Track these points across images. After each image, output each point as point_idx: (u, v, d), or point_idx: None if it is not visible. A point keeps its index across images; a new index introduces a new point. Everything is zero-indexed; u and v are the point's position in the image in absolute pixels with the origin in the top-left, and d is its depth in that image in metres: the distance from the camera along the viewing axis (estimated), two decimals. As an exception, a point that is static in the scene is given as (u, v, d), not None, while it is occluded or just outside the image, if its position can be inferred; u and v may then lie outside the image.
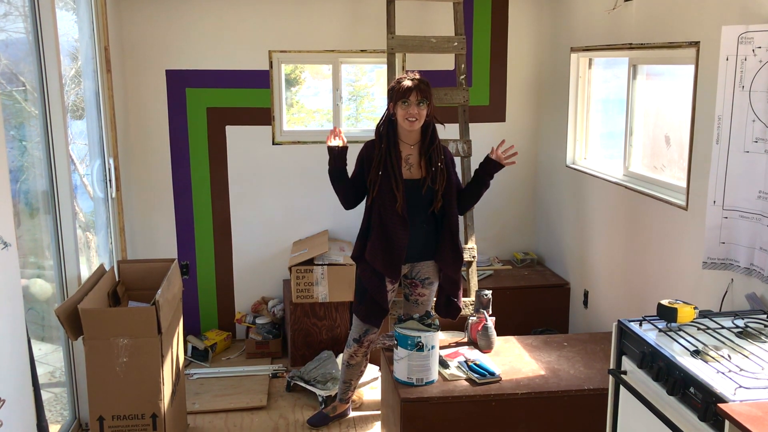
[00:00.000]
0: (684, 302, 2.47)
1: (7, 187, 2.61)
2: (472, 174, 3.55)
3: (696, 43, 3.07)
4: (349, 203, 3.47)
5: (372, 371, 4.16)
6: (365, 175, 3.38)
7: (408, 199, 3.32)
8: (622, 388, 2.45)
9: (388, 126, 3.37)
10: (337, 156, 3.38)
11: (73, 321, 2.93)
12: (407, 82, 3.28)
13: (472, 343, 3.58)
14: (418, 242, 3.41)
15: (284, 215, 4.84)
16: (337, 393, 3.83)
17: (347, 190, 3.43)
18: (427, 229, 3.41)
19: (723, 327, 2.42)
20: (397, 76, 3.45)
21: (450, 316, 3.57)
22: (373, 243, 3.35)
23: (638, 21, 3.58)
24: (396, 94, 3.29)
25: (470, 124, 4.36)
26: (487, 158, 3.44)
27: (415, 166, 3.38)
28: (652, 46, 3.46)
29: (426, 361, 3.12)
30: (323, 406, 3.94)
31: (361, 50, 4.66)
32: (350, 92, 5.00)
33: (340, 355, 4.29)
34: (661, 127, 3.70)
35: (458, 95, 4.15)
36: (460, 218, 4.24)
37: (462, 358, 3.36)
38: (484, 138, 4.84)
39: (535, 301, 4.50)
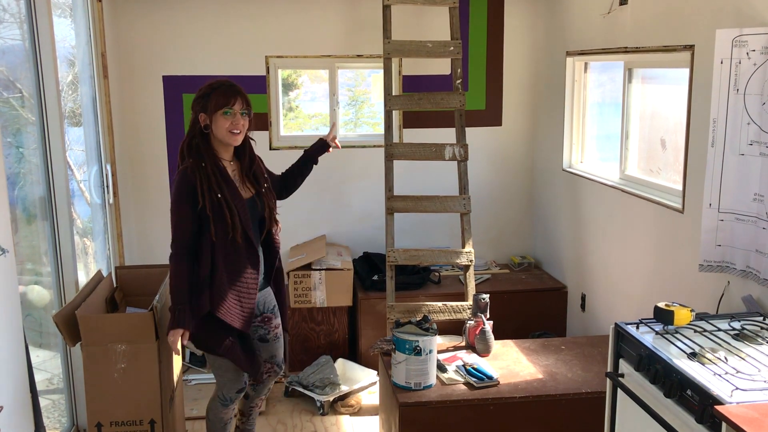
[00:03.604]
0: (680, 305, 2.48)
1: (4, 193, 2.61)
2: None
3: (691, 47, 3.09)
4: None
5: (370, 376, 4.16)
6: (201, 204, 2.79)
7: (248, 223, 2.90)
8: (619, 390, 2.46)
9: (203, 142, 2.86)
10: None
11: (70, 327, 2.92)
12: (229, 89, 2.84)
13: (470, 347, 3.58)
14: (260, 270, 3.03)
15: (282, 220, 4.81)
16: None
17: (190, 272, 2.84)
18: (261, 252, 3.05)
19: (719, 329, 2.43)
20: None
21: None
22: (223, 293, 2.83)
23: (633, 25, 3.60)
24: (214, 101, 2.81)
25: (466, 129, 4.37)
26: (322, 141, 3.35)
27: (240, 182, 2.94)
28: (647, 49, 3.47)
29: (424, 366, 3.13)
30: (321, 410, 3.94)
31: (358, 55, 4.67)
32: (350, 97, 5.01)
33: (339, 360, 4.30)
34: (657, 130, 3.72)
35: (454, 99, 4.17)
36: (458, 221, 4.26)
37: (460, 362, 3.37)
38: (480, 142, 4.87)
39: (532, 305, 4.51)
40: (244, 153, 2.98)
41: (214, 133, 2.86)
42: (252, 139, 3.02)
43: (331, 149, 3.40)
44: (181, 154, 2.90)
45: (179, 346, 2.82)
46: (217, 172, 2.84)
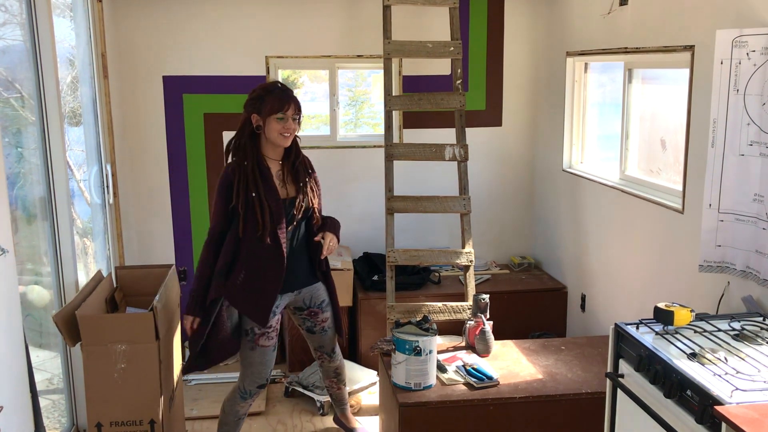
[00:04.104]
0: (680, 305, 2.48)
1: (4, 193, 2.61)
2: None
3: (691, 47, 3.09)
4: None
5: (370, 376, 4.16)
6: (234, 202, 2.99)
7: (287, 220, 3.05)
8: (619, 391, 2.46)
9: (250, 141, 3.02)
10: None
11: (70, 327, 2.92)
12: (283, 94, 2.99)
13: (470, 348, 3.58)
14: (302, 266, 3.18)
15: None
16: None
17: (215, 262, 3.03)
18: (306, 248, 3.20)
19: (719, 330, 2.43)
20: (273, 84, 3.13)
21: (339, 333, 3.43)
22: (239, 287, 2.99)
23: (633, 25, 3.60)
24: (268, 105, 2.97)
25: (467, 129, 4.37)
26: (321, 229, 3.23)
27: (284, 183, 3.10)
28: (647, 50, 3.47)
29: (424, 366, 3.13)
30: (321, 411, 3.94)
31: (358, 55, 4.67)
32: (350, 97, 5.01)
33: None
34: (657, 130, 3.72)
35: (454, 100, 4.17)
36: (458, 222, 4.26)
37: (460, 363, 3.37)
38: (480, 142, 4.87)
39: (532, 305, 4.51)
40: (290, 152, 3.12)
41: (266, 135, 3.03)
42: (298, 137, 3.18)
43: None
44: (226, 151, 3.08)
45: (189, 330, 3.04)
46: (257, 171, 2.99)
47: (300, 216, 3.11)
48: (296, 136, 3.12)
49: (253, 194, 2.96)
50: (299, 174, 3.12)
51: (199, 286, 3.03)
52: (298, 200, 3.09)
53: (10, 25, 3.21)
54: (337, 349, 3.49)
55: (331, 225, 3.26)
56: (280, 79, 4.72)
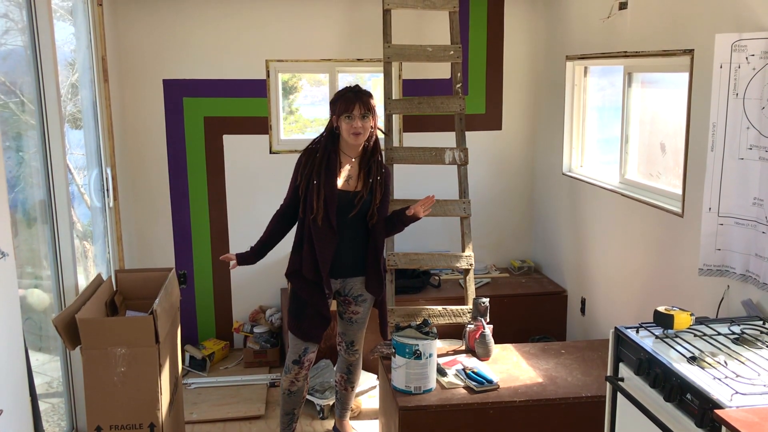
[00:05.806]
0: (680, 309, 2.48)
1: (4, 196, 2.61)
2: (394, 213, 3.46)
3: (690, 51, 3.09)
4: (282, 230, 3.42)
5: (370, 379, 4.16)
6: (297, 182, 3.30)
7: (343, 211, 3.23)
8: (619, 395, 2.46)
9: (329, 137, 3.28)
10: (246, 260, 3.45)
11: (70, 331, 2.92)
12: (351, 95, 3.21)
13: (470, 351, 3.58)
14: (349, 257, 3.32)
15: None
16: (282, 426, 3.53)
17: (274, 229, 3.41)
18: (359, 243, 3.33)
19: (719, 333, 2.43)
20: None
21: (382, 335, 3.52)
22: (306, 256, 3.26)
23: (633, 29, 3.60)
24: (339, 107, 3.21)
25: (467, 133, 4.37)
26: (404, 212, 3.32)
27: (354, 178, 3.29)
28: (646, 54, 3.48)
29: (424, 369, 3.13)
30: (321, 414, 3.94)
31: (358, 59, 4.68)
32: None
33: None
34: (657, 134, 3.72)
35: (454, 104, 4.17)
36: (458, 225, 4.26)
37: (460, 366, 3.37)
38: (480, 146, 4.87)
39: (532, 309, 4.50)
40: (367, 148, 3.30)
41: (342, 134, 3.24)
42: (381, 130, 3.45)
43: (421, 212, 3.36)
44: (314, 142, 3.38)
45: (231, 265, 3.47)
46: (324, 163, 3.22)
47: (357, 209, 3.24)
48: (376, 137, 3.32)
49: (315, 182, 3.20)
50: (370, 172, 3.29)
51: (255, 244, 3.44)
52: (359, 195, 3.25)
53: (11, 30, 3.22)
54: (357, 347, 3.56)
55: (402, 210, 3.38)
56: (280, 83, 4.72)
